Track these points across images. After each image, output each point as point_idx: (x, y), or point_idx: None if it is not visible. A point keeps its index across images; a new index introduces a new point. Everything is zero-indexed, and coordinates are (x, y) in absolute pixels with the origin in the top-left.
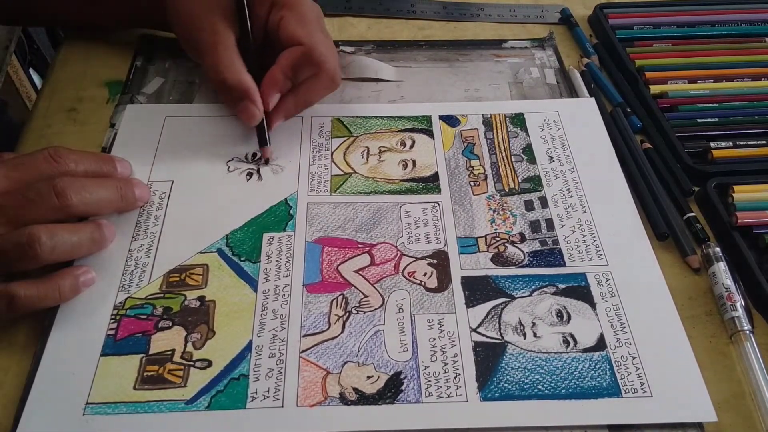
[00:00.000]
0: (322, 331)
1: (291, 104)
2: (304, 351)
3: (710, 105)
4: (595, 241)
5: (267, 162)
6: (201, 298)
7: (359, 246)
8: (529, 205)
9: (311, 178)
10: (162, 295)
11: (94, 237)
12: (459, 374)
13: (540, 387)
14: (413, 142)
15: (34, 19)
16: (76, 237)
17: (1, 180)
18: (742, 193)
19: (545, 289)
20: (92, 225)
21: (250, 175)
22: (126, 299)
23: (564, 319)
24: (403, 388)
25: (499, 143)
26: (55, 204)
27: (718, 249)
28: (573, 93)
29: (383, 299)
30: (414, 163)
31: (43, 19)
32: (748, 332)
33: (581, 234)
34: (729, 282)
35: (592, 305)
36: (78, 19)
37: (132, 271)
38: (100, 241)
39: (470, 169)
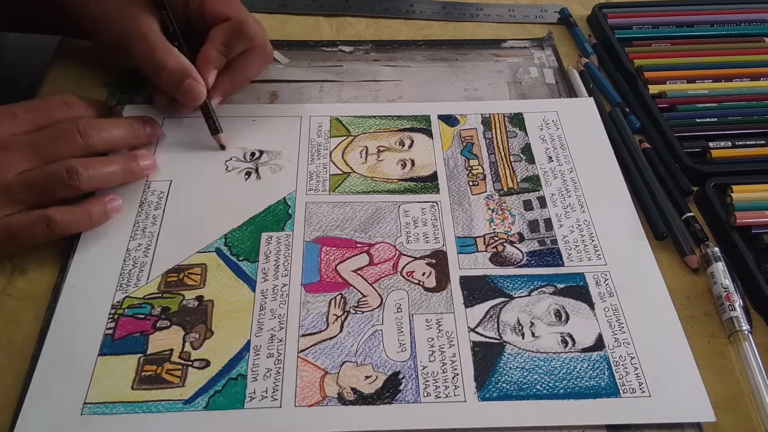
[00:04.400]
0: (321, 331)
1: (227, 82)
2: (302, 351)
3: (709, 105)
4: (593, 240)
5: (224, 148)
6: (199, 298)
7: (358, 245)
8: (527, 205)
9: (310, 177)
10: (160, 294)
11: (127, 168)
12: (457, 374)
13: (538, 387)
14: (412, 141)
15: None
16: (109, 168)
17: (24, 122)
18: (741, 193)
19: (544, 289)
20: (126, 156)
21: (248, 174)
22: (124, 299)
23: (562, 319)
24: (401, 388)
25: (497, 143)
26: (80, 142)
27: (716, 249)
28: (572, 93)
29: (382, 299)
30: (413, 162)
31: None
32: (746, 332)
33: (580, 234)
34: (727, 282)
35: (591, 305)
36: None
37: (130, 270)
38: (132, 171)
39: (469, 168)
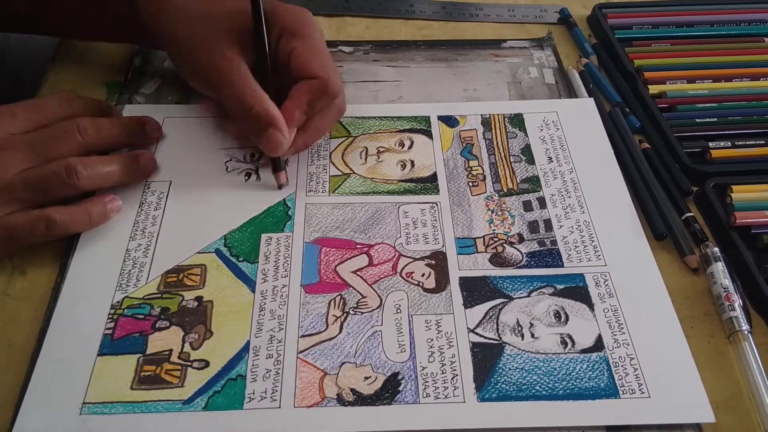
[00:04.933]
0: (320, 332)
1: (301, 140)
2: (301, 352)
3: (709, 105)
4: (593, 241)
5: (281, 187)
6: (199, 299)
7: (357, 246)
8: (527, 206)
9: (309, 178)
10: (160, 295)
11: (127, 167)
12: (457, 375)
13: (538, 388)
14: (412, 142)
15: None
16: (109, 167)
17: (23, 121)
18: (741, 193)
19: (543, 290)
20: (126, 156)
21: (248, 175)
22: (123, 299)
23: (562, 320)
24: (400, 388)
25: (497, 143)
26: (79, 140)
27: (716, 249)
28: (572, 93)
29: (381, 300)
30: (412, 163)
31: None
32: (746, 332)
33: (579, 234)
34: (727, 282)
35: (590, 306)
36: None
37: (130, 270)
38: (132, 171)
39: (469, 169)
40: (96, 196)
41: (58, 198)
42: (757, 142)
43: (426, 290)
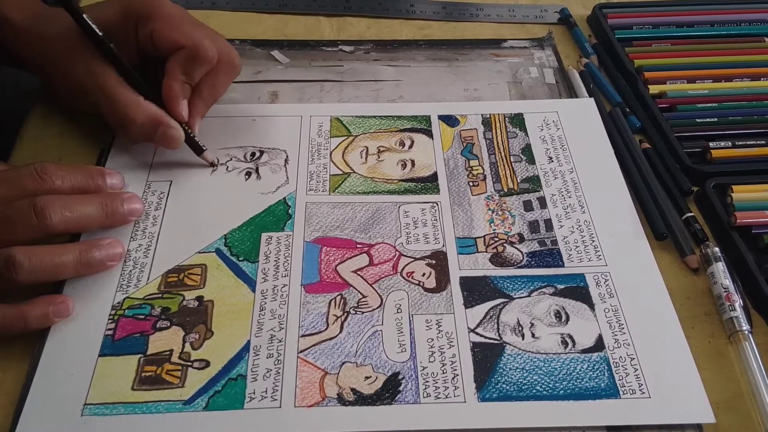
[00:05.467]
0: (321, 332)
1: (200, 104)
2: (302, 351)
3: (709, 105)
4: (593, 241)
5: (213, 165)
6: (199, 298)
7: (358, 246)
8: (527, 206)
9: (310, 177)
10: (160, 295)
11: (82, 259)
12: (457, 375)
13: (538, 388)
14: (412, 141)
15: None
16: (58, 259)
17: None
18: (741, 193)
19: (544, 290)
20: (82, 245)
21: (248, 174)
22: (124, 299)
23: (562, 320)
24: (401, 388)
25: (498, 143)
26: (34, 223)
27: (716, 249)
28: (572, 93)
29: (382, 299)
30: (413, 163)
31: None
32: (746, 332)
33: (580, 234)
34: (728, 282)
35: (591, 306)
36: None
37: (130, 271)
38: (89, 263)
39: (469, 169)
40: (42, 297)
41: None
42: (758, 142)
43: (426, 290)
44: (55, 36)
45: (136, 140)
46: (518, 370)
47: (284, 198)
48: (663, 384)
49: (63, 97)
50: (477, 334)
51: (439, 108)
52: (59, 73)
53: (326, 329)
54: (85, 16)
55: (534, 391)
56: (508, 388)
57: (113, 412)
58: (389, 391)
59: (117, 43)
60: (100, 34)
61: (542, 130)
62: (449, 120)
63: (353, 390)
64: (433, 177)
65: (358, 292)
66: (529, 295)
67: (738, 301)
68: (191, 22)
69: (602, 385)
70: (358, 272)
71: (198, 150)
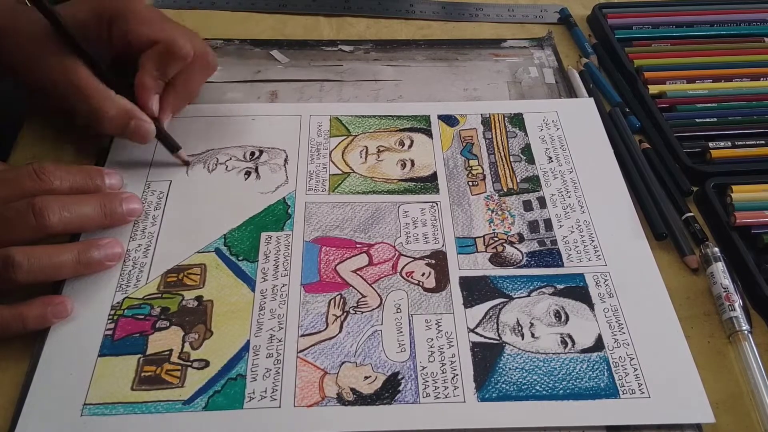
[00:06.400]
0: (320, 331)
1: (173, 100)
2: (301, 351)
3: (709, 105)
4: (593, 241)
5: (188, 164)
6: (199, 298)
7: (357, 246)
8: (527, 206)
9: (309, 177)
10: (160, 295)
11: (81, 259)
12: (457, 375)
13: (538, 388)
14: (412, 141)
15: None
16: (56, 259)
17: None
18: (741, 193)
19: (543, 290)
20: (81, 245)
21: (248, 174)
22: (124, 299)
23: (562, 320)
24: (400, 388)
25: (497, 143)
26: (32, 224)
27: (716, 249)
28: (572, 93)
29: (381, 299)
30: (412, 162)
31: None
32: (746, 332)
33: (579, 234)
34: (727, 282)
35: (590, 306)
36: None
37: (130, 271)
38: (88, 263)
39: (469, 169)
40: (41, 297)
41: None
42: (757, 142)
43: (426, 290)
44: (26, 33)
45: (109, 134)
46: (518, 369)
47: (284, 198)
48: (662, 384)
49: (35, 95)
50: (476, 333)
51: (438, 108)
52: (30, 70)
53: (326, 329)
54: (55, 13)
55: (533, 391)
56: (507, 388)
57: (113, 412)
58: (389, 390)
59: (89, 40)
60: (70, 31)
61: (542, 130)
62: (449, 120)
63: (353, 390)
64: (433, 177)
65: (358, 291)
66: (528, 295)
67: (737, 301)
68: (167, 20)
69: (602, 385)
70: (358, 272)
71: (172, 148)
